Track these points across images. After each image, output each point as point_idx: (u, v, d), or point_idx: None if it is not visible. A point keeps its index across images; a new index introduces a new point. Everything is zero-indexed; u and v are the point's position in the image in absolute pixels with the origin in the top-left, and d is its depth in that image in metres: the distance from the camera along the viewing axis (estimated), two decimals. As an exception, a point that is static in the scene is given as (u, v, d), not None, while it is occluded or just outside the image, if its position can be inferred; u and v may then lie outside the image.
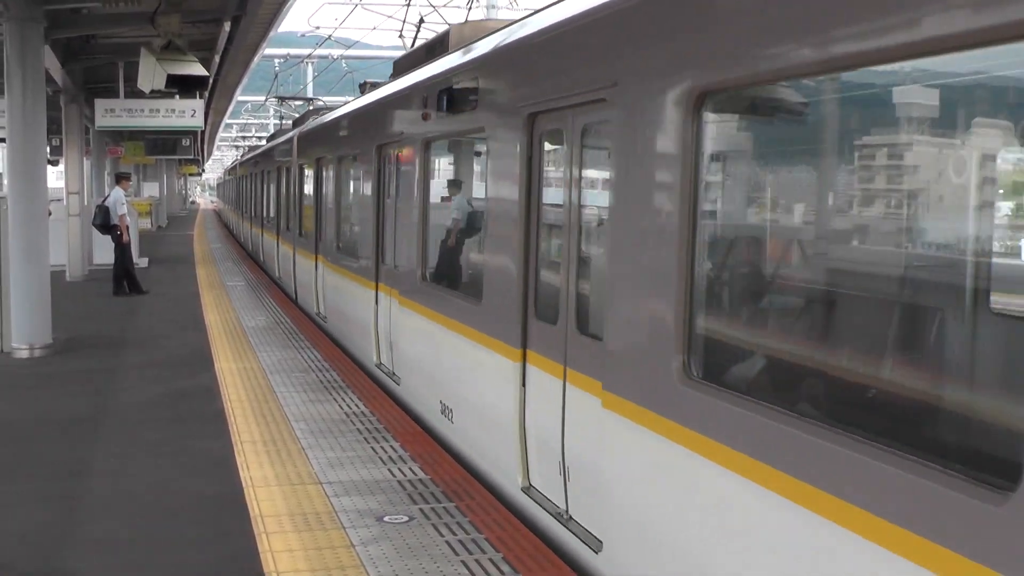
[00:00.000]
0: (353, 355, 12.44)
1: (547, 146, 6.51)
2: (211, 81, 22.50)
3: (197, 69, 14.56)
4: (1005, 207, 3.78)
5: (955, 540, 3.17)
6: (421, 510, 6.66)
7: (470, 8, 16.43)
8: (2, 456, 8.21)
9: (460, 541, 6.09)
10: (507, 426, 6.81)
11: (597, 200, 5.87)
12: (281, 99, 42.04)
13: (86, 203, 23.04)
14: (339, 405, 9.75)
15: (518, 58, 7.11)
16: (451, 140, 9.29)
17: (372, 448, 8.19)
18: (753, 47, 4.16)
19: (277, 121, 51.10)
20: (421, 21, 16.95)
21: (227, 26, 17.30)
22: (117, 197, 19.44)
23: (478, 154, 8.57)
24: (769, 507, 3.98)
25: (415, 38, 16.07)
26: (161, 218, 46.78)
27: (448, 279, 9.18)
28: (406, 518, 6.50)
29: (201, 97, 21.46)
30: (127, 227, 19.33)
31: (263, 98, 49.25)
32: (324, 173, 15.55)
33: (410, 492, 7.05)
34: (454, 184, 9.89)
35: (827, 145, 4.58)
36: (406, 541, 6.09)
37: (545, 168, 6.54)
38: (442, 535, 6.20)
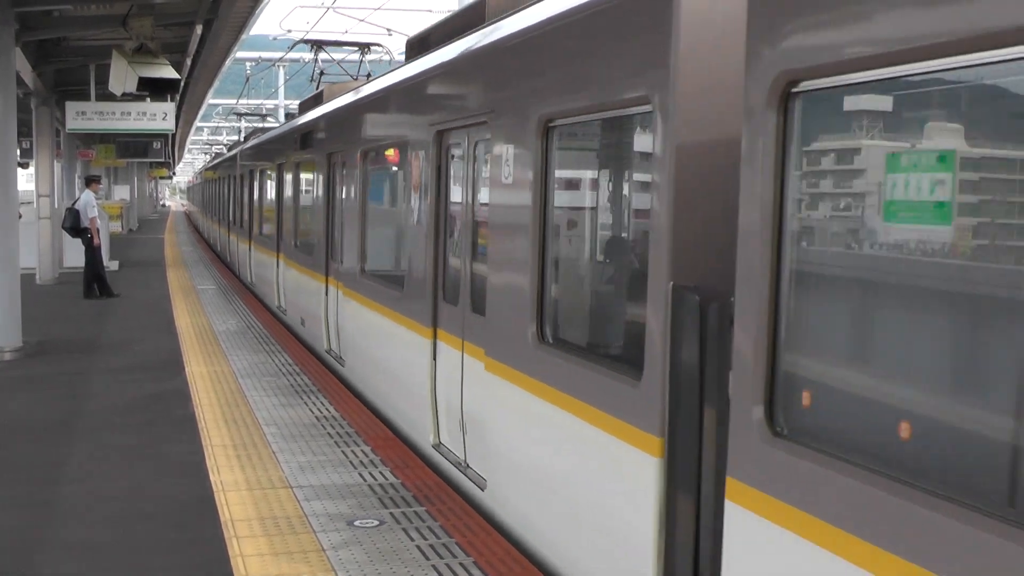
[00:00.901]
0: (268, 306, 17.88)
1: (336, 170, 12.24)
2: (182, 84, 22.46)
3: (168, 72, 14.57)
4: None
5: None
6: (392, 514, 6.72)
7: (361, 61, 19.91)
8: (-29, 461, 8.20)
9: (431, 545, 6.15)
10: (322, 319, 12.62)
11: (345, 197, 11.50)
12: (240, 115, 50.22)
13: (56, 206, 22.91)
14: (310, 409, 9.79)
15: (324, 122, 13.27)
16: (305, 164, 14.75)
17: (343, 452, 8.24)
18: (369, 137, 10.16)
19: (245, 126, 52.90)
20: (322, 73, 20.84)
21: (199, 29, 17.29)
22: (87, 200, 19.34)
23: (316, 173, 13.80)
24: (379, 318, 9.40)
25: (319, 81, 20.34)
26: (132, 221, 46.51)
27: (303, 245, 14.62)
28: (376, 522, 6.56)
29: (172, 100, 21.42)
30: (98, 230, 19.24)
31: (235, 101, 49.97)
32: (254, 181, 21.07)
33: (380, 496, 7.10)
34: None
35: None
36: (376, 545, 6.15)
37: (338, 183, 12.05)
38: (412, 539, 6.25)
